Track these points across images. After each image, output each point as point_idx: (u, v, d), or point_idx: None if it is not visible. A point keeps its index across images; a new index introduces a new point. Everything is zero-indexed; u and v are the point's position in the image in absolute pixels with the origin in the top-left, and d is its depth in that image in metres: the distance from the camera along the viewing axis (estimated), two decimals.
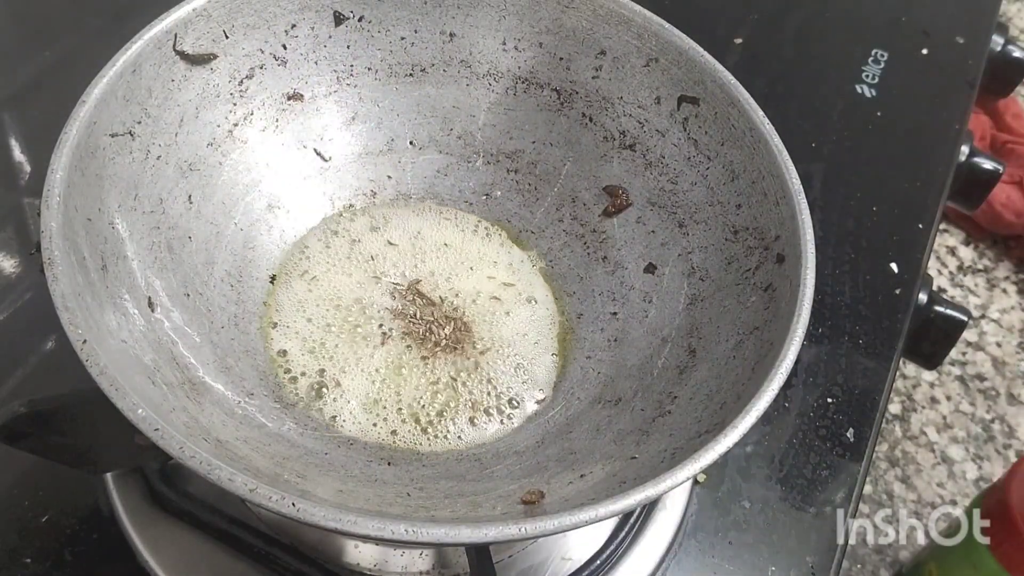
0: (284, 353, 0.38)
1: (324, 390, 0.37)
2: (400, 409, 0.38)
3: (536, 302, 0.42)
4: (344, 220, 0.43)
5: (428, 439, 0.37)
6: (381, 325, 0.40)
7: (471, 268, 0.43)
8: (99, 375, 0.26)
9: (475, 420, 0.38)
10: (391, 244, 0.43)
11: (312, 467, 0.32)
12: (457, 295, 0.42)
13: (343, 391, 0.38)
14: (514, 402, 0.39)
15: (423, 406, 0.38)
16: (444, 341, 0.40)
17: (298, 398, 0.37)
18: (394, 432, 0.37)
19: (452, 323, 0.40)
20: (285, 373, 0.38)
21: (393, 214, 0.44)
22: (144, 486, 0.40)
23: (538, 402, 0.39)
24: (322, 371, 0.38)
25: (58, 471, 0.38)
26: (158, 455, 0.39)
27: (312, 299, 0.40)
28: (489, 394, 0.39)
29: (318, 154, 0.43)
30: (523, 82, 0.44)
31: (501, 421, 0.38)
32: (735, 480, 0.45)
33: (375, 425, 0.37)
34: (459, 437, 0.37)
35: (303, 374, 0.38)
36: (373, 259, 0.42)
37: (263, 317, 0.39)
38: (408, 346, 0.39)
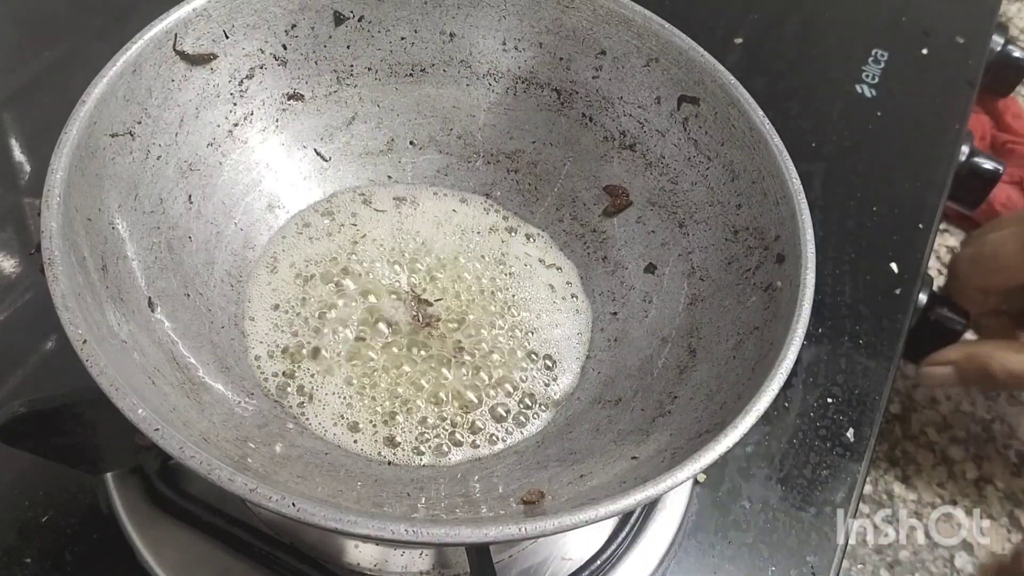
0: (257, 358, 0.37)
1: (294, 394, 0.37)
2: (376, 432, 0.36)
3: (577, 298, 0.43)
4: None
5: (420, 458, 0.36)
6: (393, 325, 0.40)
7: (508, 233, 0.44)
8: (99, 375, 0.26)
9: (476, 443, 0.37)
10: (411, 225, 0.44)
11: (312, 467, 0.32)
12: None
13: (316, 404, 0.37)
14: (523, 417, 0.38)
15: (419, 432, 0.37)
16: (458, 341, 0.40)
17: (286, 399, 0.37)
18: (380, 453, 0.36)
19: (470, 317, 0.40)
20: (260, 374, 0.37)
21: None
22: (144, 486, 0.40)
23: (557, 403, 0.39)
24: (294, 378, 0.37)
25: (58, 471, 0.38)
26: (158, 455, 0.39)
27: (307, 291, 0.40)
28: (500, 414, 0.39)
29: (318, 154, 0.43)
30: (523, 82, 0.44)
31: (510, 432, 0.38)
32: (735, 480, 0.45)
33: (356, 441, 0.36)
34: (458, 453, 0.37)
35: (273, 375, 0.37)
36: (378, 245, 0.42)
37: (245, 311, 0.39)
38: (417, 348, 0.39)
